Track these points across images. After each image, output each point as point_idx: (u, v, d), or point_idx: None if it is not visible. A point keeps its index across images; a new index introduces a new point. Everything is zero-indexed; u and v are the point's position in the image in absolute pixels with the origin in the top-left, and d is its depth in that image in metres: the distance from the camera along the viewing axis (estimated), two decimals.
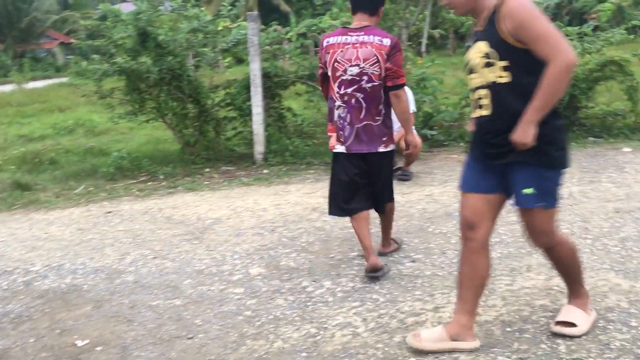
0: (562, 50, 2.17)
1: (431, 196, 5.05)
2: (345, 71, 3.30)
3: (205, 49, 7.38)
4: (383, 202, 3.55)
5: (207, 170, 6.82)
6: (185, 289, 3.43)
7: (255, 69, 6.89)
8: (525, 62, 2.27)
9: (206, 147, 7.33)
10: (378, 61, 3.26)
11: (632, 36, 8.57)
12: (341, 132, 3.40)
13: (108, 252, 4.18)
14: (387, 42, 3.27)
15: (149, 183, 6.39)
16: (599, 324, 2.63)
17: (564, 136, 2.40)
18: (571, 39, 7.62)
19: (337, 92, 3.36)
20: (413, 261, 3.61)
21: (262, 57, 7.14)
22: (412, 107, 5.72)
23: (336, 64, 3.32)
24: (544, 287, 3.08)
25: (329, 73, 3.39)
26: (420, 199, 5.04)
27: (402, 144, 4.96)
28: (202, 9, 8.03)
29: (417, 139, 3.74)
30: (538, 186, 2.35)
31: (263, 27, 7.62)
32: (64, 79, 17.53)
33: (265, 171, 6.60)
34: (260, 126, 6.98)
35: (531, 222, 2.45)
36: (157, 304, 3.26)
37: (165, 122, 7.36)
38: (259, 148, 7.05)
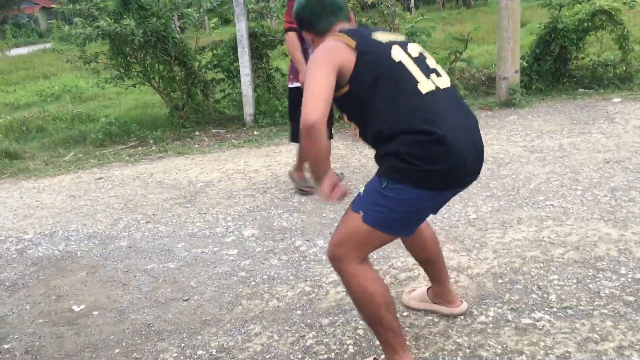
0: (304, 108, 1.84)
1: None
2: None
3: (189, 10, 7.24)
4: None
5: (197, 133, 6.78)
6: (179, 252, 3.45)
7: (241, 29, 6.77)
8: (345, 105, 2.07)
9: (195, 110, 7.26)
10: None
11: None
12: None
13: (100, 218, 4.18)
14: None
15: (139, 148, 6.35)
16: (589, 273, 2.67)
17: (418, 154, 1.85)
18: None
19: None
20: None
21: (250, 17, 7.01)
22: None
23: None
24: (534, 238, 3.12)
25: None
26: None
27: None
28: None
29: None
30: (365, 189, 2.01)
31: None
32: (47, 45, 17.26)
33: (255, 133, 6.56)
34: (249, 87, 6.91)
35: (340, 224, 2.07)
36: (151, 267, 3.27)
37: (152, 86, 7.27)
38: (249, 110, 7.00)
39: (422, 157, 1.85)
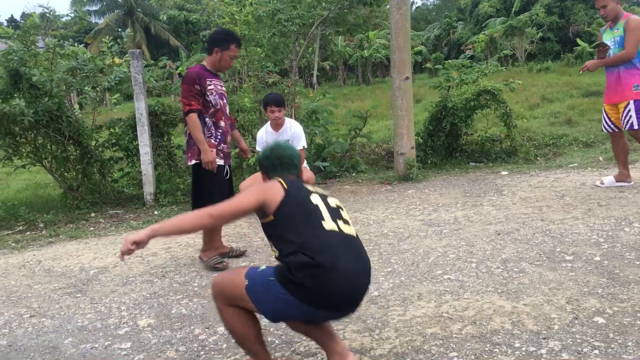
0: (219, 205, 2.48)
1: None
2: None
3: (87, 88, 7.07)
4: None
5: (93, 215, 6.47)
6: (66, 348, 3.17)
7: (140, 107, 6.68)
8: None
9: (91, 191, 6.96)
10: None
11: (502, 68, 9.25)
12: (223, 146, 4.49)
13: None
14: None
15: (27, 233, 5.94)
16: (486, 348, 2.72)
17: (300, 270, 2.28)
18: (451, 70, 8.12)
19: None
20: None
21: (154, 93, 6.96)
22: (303, 142, 5.74)
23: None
24: (434, 314, 3.16)
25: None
26: None
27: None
28: (83, 45, 7.70)
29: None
30: (264, 270, 2.44)
31: (152, 62, 7.43)
32: None
33: (155, 212, 6.36)
34: (149, 166, 6.75)
35: (231, 272, 2.62)
36: None
37: (44, 167, 6.92)
38: (149, 189, 6.81)
39: (302, 274, 2.27)
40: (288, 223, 2.41)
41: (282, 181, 2.54)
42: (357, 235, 2.52)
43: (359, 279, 2.36)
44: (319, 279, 2.26)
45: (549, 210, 5.10)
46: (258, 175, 5.78)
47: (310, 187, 2.59)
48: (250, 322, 2.47)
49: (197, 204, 4.32)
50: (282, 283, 2.30)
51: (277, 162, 2.71)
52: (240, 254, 4.62)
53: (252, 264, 4.28)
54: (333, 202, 2.57)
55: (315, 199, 2.50)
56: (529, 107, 13.18)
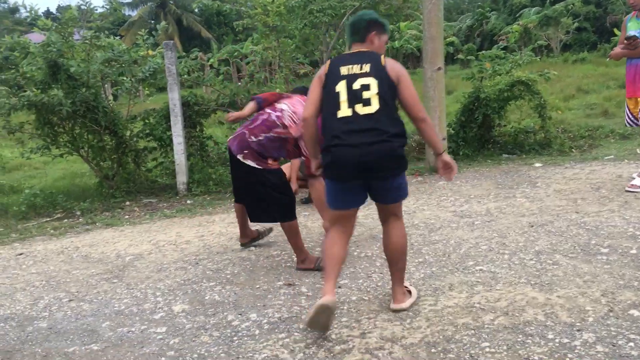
0: (303, 109, 3.19)
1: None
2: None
3: (122, 78, 7.20)
4: (263, 215, 4.06)
5: (128, 203, 6.61)
6: (104, 332, 3.26)
7: (174, 98, 6.78)
8: None
9: (126, 180, 7.10)
10: (294, 122, 3.92)
11: (537, 58, 9.10)
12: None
13: (19, 297, 3.93)
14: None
15: (65, 220, 6.10)
16: (518, 339, 2.71)
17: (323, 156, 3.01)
18: (485, 61, 8.04)
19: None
20: (339, 287, 3.59)
21: (186, 84, 7.06)
22: None
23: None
24: (466, 305, 3.15)
25: None
26: None
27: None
28: (119, 37, 7.84)
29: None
30: None
31: (184, 54, 7.52)
32: None
33: (188, 202, 6.46)
34: (182, 156, 6.85)
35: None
36: (73, 350, 3.07)
37: (81, 156, 7.08)
38: (182, 178, 6.91)
39: (324, 158, 2.98)
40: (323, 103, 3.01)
41: (327, 65, 3.05)
42: (377, 110, 2.86)
43: (370, 149, 2.82)
44: (330, 157, 2.91)
45: (584, 202, 5.02)
46: (285, 166, 5.86)
47: (344, 70, 2.96)
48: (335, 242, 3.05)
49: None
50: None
51: (347, 30, 3.20)
52: (267, 233, 4.74)
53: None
54: (359, 83, 2.90)
55: (340, 86, 2.93)
56: (563, 98, 12.94)
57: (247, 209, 4.14)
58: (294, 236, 4.00)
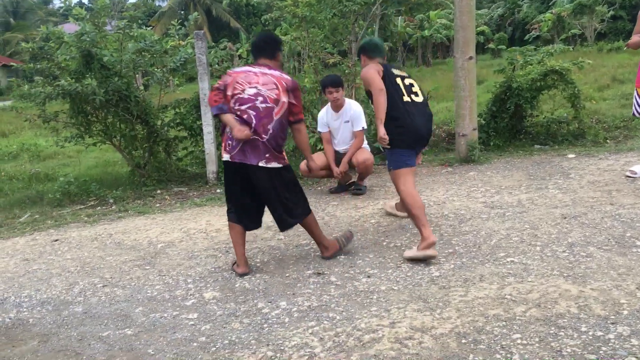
0: (377, 86, 3.86)
1: (385, 209, 5.08)
2: (243, 91, 3.71)
3: (154, 68, 7.28)
4: (293, 218, 3.89)
5: (159, 192, 6.70)
6: (137, 317, 3.33)
7: (204, 87, 6.83)
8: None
9: (157, 169, 7.20)
10: (277, 88, 3.72)
11: (570, 47, 8.87)
12: (229, 142, 3.73)
13: (55, 282, 4.03)
14: (287, 77, 3.82)
15: (98, 208, 6.22)
16: (551, 331, 2.67)
17: (393, 130, 3.88)
18: (515, 53, 7.91)
19: (233, 108, 3.71)
20: (368, 276, 3.60)
21: (216, 75, 7.09)
22: (363, 123, 5.75)
23: (236, 84, 3.73)
24: (497, 296, 3.12)
25: (228, 92, 3.72)
26: (374, 213, 5.06)
27: (354, 160, 5.42)
28: (150, 28, 7.92)
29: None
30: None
31: (213, 44, 7.55)
32: (6, 103, 17.04)
33: (218, 191, 6.51)
34: (212, 145, 6.91)
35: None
36: (107, 334, 3.15)
37: (113, 145, 7.20)
38: (212, 167, 6.97)
39: (394, 132, 3.87)
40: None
41: (378, 65, 3.96)
42: (424, 100, 4.02)
43: (427, 125, 4.00)
44: (403, 130, 3.87)
45: (618, 194, 4.91)
46: (318, 154, 5.86)
47: (395, 71, 4.01)
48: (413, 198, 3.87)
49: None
50: (390, 142, 3.88)
51: (374, 47, 4.13)
52: (349, 237, 4.34)
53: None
54: (408, 80, 4.01)
55: (398, 80, 3.94)
56: (598, 88, 12.64)
57: (276, 217, 3.89)
58: (316, 227, 3.98)
